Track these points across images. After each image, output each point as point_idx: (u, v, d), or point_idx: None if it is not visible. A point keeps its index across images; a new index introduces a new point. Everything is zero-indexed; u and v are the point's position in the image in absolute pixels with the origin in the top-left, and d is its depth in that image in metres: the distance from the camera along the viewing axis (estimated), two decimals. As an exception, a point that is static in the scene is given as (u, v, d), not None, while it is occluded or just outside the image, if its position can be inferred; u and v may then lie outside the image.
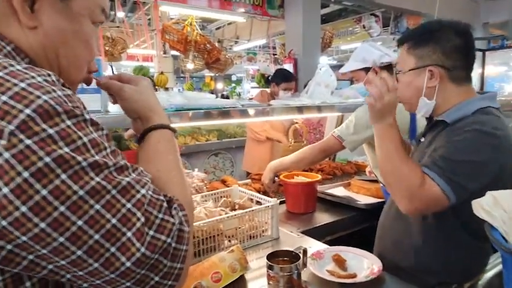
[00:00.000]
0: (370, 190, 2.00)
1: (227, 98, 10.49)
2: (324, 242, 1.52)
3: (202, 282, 1.10)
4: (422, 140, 1.26)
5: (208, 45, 4.29)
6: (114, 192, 0.45)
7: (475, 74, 5.03)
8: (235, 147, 4.85)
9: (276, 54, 6.19)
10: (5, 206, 0.38)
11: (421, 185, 1.01)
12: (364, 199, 1.94)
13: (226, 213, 1.45)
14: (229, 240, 1.42)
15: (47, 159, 0.39)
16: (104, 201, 0.44)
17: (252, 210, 1.49)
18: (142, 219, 0.47)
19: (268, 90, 3.35)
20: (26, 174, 0.39)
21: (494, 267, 1.19)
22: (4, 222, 0.39)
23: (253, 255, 1.40)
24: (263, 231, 1.53)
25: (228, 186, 1.91)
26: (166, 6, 4.25)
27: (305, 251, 1.20)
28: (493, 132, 1.02)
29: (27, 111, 0.39)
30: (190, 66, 4.37)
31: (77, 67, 0.59)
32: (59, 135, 0.41)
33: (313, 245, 1.45)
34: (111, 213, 0.44)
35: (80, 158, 0.42)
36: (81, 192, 0.42)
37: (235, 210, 1.55)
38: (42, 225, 0.40)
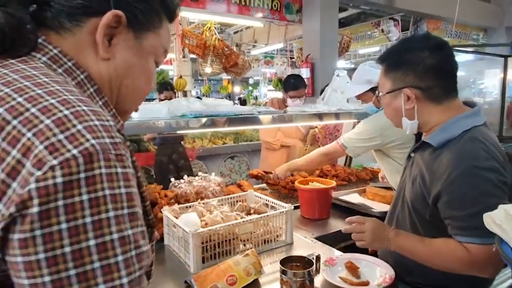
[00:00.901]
0: (386, 197, 2.00)
1: (244, 101, 10.58)
2: (337, 249, 1.54)
3: (218, 285, 1.14)
4: (412, 155, 1.25)
5: (226, 50, 4.36)
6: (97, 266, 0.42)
7: (497, 79, 4.91)
8: (251, 151, 4.90)
9: (293, 58, 6.21)
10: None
11: (469, 254, 1.01)
12: (379, 206, 1.94)
13: (241, 218, 1.49)
14: (244, 244, 1.46)
15: (60, 202, 0.40)
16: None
17: (267, 215, 1.52)
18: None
19: (279, 97, 3.41)
20: (35, 209, 0.39)
21: (503, 281, 1.18)
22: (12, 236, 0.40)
23: (268, 260, 1.43)
24: (277, 236, 1.56)
25: (244, 191, 1.95)
26: (186, 12, 4.33)
27: (318, 257, 1.22)
28: (490, 166, 1.01)
29: (74, 151, 0.41)
30: (208, 70, 4.45)
31: (135, 97, 0.64)
32: (86, 182, 0.41)
33: (327, 252, 1.47)
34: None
35: (87, 212, 0.41)
36: (67, 249, 0.40)
37: (250, 214, 1.59)
38: (41, 256, 0.39)
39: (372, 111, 1.96)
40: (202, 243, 1.34)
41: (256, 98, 12.11)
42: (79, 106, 0.45)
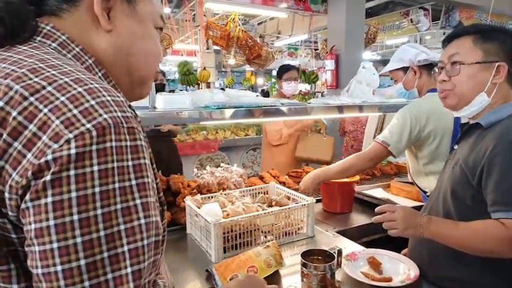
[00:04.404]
0: (411, 193, 1.95)
1: (267, 93, 10.52)
2: (359, 243, 1.51)
3: (239, 275, 1.15)
4: (456, 147, 1.22)
5: (249, 41, 4.32)
6: (121, 225, 0.44)
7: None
8: (273, 143, 4.87)
9: (317, 49, 6.10)
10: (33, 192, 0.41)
11: (506, 230, 0.97)
12: (403, 202, 1.89)
13: (263, 209, 1.49)
14: (265, 236, 1.46)
15: (72, 172, 0.42)
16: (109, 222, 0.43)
17: (289, 208, 1.52)
18: None
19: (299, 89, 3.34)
20: (49, 177, 0.41)
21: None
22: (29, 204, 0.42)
23: (288, 252, 1.43)
24: (298, 229, 1.56)
25: (266, 183, 1.95)
26: (211, 3, 4.34)
27: (340, 252, 1.21)
28: None
29: (88, 125, 0.43)
30: (231, 61, 4.44)
31: (148, 62, 0.65)
32: (97, 153, 0.43)
33: (348, 246, 1.45)
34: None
35: (96, 182, 0.43)
36: (98, 211, 0.43)
37: (272, 206, 1.59)
38: (51, 222, 0.41)
39: (401, 92, 1.90)
40: (224, 233, 1.35)
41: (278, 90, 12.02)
42: (91, 84, 0.48)
